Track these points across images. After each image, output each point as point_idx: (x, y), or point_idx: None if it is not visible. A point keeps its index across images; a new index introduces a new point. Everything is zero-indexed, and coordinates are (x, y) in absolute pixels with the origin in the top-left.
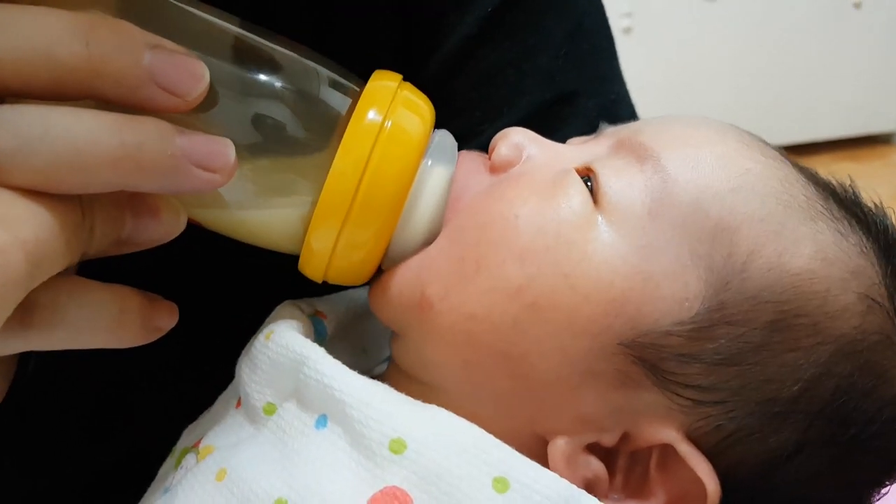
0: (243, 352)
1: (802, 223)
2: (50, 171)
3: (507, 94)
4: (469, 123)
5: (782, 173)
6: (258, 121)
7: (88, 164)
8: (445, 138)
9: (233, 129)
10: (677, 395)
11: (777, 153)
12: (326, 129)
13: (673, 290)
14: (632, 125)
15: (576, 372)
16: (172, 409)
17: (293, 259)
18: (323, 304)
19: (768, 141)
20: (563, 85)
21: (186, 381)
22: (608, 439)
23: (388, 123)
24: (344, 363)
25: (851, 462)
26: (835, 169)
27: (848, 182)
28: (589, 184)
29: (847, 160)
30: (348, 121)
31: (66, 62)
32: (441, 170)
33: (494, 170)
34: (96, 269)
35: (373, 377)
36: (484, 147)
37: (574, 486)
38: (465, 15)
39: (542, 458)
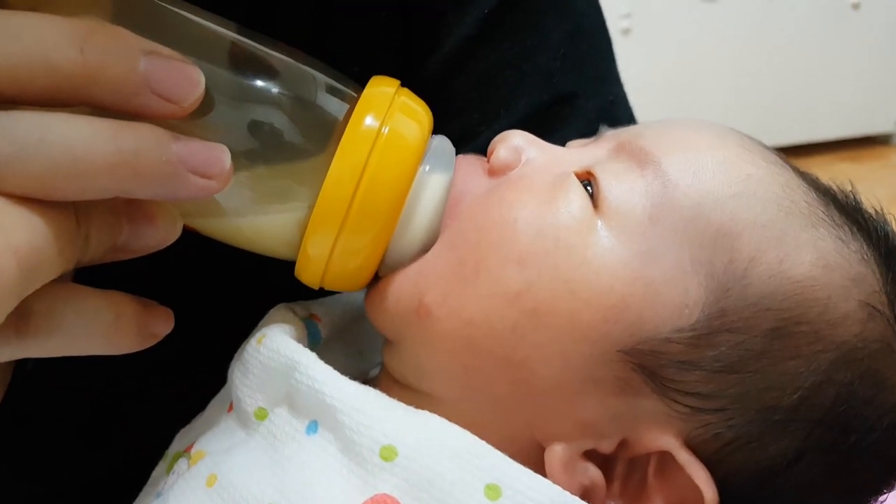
0: (235, 356)
1: (804, 230)
2: (45, 178)
3: (505, 95)
4: (468, 124)
5: (783, 179)
6: (255, 127)
7: (84, 170)
8: (443, 144)
9: (229, 135)
10: (676, 402)
11: (778, 158)
12: (323, 134)
13: (673, 297)
14: (631, 129)
15: (575, 378)
16: (168, 415)
17: (289, 264)
18: (318, 306)
19: (767, 142)
20: (561, 86)
21: (182, 386)
22: (606, 446)
23: (386, 129)
24: (339, 366)
25: (851, 470)
26: (833, 170)
27: (849, 187)
28: (589, 188)
29: (846, 161)
30: (345, 127)
31: (61, 68)
32: (439, 176)
33: (493, 173)
34: (90, 272)
35: (369, 380)
36: (482, 148)
37: (567, 493)
38: (465, 15)
39: (539, 465)
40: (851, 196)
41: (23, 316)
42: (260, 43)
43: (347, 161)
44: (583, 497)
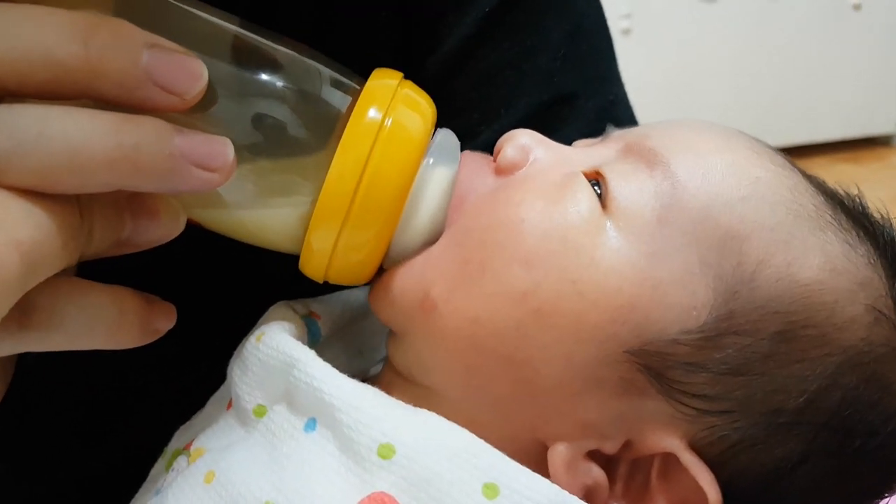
0: (235, 353)
1: (812, 233)
2: (46, 172)
3: (505, 95)
4: (468, 124)
5: (792, 182)
6: (257, 120)
7: (85, 164)
8: (448, 137)
9: (232, 128)
10: (682, 403)
11: (786, 161)
12: (326, 128)
13: (681, 298)
14: (638, 129)
15: (579, 378)
16: (168, 412)
17: (291, 260)
18: (318, 304)
19: (768, 142)
20: (561, 86)
21: (182, 382)
22: (610, 446)
23: (388, 121)
24: (339, 365)
25: (855, 473)
26: (834, 171)
27: (854, 191)
28: (597, 188)
29: (846, 162)
30: (348, 119)
31: (63, 62)
32: (443, 169)
33: (500, 172)
34: (92, 266)
35: (368, 378)
36: (483, 148)
37: (566, 493)
38: (465, 15)
39: (542, 464)
40: (857, 200)
41: (25, 310)
42: (262, 36)
43: (350, 155)
44: (585, 498)
